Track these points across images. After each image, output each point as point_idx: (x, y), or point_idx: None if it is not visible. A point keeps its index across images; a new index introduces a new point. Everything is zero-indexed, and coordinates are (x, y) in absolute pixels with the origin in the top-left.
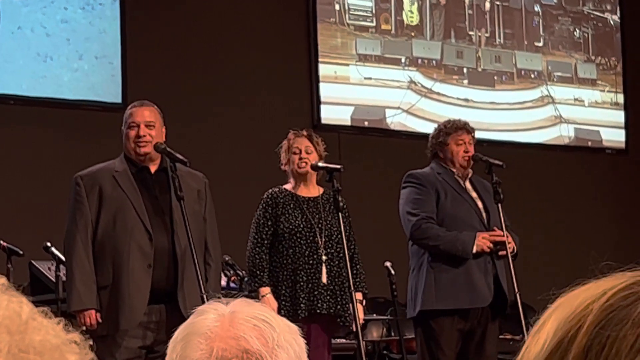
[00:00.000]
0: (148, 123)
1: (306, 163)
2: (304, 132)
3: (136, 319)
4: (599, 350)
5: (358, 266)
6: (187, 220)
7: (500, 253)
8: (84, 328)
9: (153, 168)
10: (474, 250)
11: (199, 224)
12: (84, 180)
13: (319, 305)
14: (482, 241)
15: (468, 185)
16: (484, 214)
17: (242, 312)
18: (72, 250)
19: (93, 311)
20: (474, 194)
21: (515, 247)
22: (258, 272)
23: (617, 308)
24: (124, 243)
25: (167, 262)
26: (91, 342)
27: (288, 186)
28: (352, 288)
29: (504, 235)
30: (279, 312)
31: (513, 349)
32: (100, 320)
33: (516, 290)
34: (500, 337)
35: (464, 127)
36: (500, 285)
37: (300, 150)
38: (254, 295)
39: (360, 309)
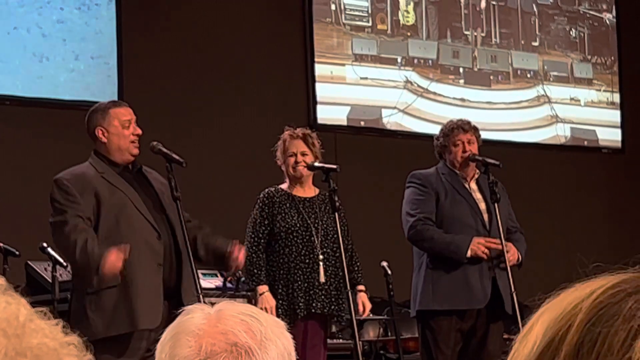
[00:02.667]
0: (135, 121)
1: (302, 166)
2: (300, 134)
3: (158, 318)
4: (590, 346)
5: (358, 263)
6: (183, 221)
7: (501, 266)
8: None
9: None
10: (468, 254)
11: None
12: (71, 182)
13: (314, 304)
14: (476, 245)
15: (473, 186)
16: (485, 216)
17: (228, 309)
18: (77, 241)
19: (115, 251)
20: (478, 195)
21: (520, 256)
22: (255, 271)
23: (607, 305)
24: (132, 242)
25: (171, 259)
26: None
27: (284, 186)
28: (349, 287)
29: (501, 244)
30: (276, 311)
31: (509, 349)
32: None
33: (512, 290)
34: None
35: (459, 127)
36: (498, 287)
37: (296, 154)
38: (251, 294)
39: (365, 298)
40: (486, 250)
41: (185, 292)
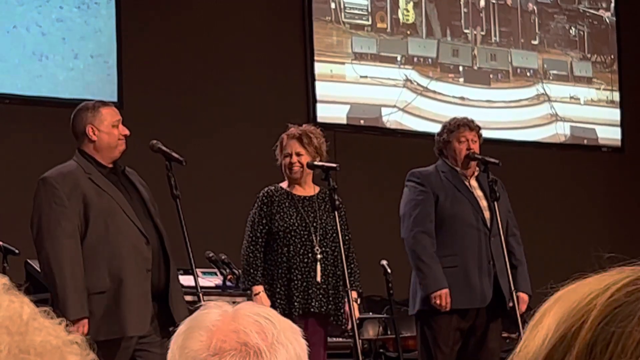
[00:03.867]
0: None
1: (297, 167)
2: (296, 134)
3: (145, 326)
4: (604, 346)
5: (353, 265)
6: (183, 219)
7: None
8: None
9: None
10: (432, 297)
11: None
12: (59, 184)
13: (312, 303)
14: (443, 298)
15: (473, 183)
16: (486, 213)
17: (245, 309)
18: (61, 256)
19: (86, 320)
20: (478, 193)
21: (529, 294)
22: (252, 271)
23: (623, 304)
24: (122, 247)
25: (159, 263)
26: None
27: (284, 184)
28: (348, 286)
29: (501, 242)
30: None
31: (509, 347)
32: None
33: (512, 289)
34: None
35: (466, 124)
36: (499, 285)
37: (291, 155)
38: (248, 293)
39: (355, 308)
40: (446, 307)
41: (172, 296)
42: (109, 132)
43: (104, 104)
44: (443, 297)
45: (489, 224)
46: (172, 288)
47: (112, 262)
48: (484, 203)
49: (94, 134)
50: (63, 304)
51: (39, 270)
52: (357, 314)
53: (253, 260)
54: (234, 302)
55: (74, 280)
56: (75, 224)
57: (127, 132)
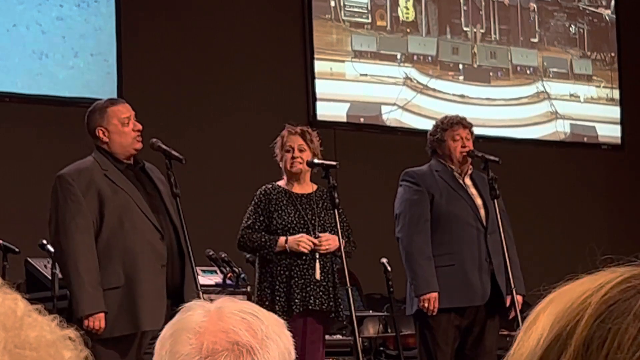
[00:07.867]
0: (135, 116)
1: (299, 162)
2: (298, 130)
3: (161, 320)
4: (600, 343)
5: (351, 238)
6: (183, 218)
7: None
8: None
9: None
10: (420, 301)
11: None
12: (75, 180)
13: (311, 301)
14: (432, 302)
15: (467, 181)
16: (481, 211)
17: (229, 307)
18: (76, 251)
19: (103, 314)
20: (473, 191)
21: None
22: (261, 239)
23: (618, 301)
24: (136, 243)
25: (174, 259)
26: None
27: (282, 182)
28: (348, 284)
29: (501, 241)
30: (273, 308)
31: (509, 346)
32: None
33: (512, 286)
34: None
35: (459, 122)
36: (496, 282)
37: (293, 149)
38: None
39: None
40: (433, 311)
41: (187, 291)
42: (118, 131)
43: (113, 102)
44: (432, 301)
45: (484, 222)
46: (187, 284)
47: (126, 257)
48: (478, 201)
49: (105, 135)
50: (78, 298)
51: (38, 268)
52: (333, 239)
53: (252, 232)
54: (211, 300)
55: (89, 276)
56: (90, 220)
57: (139, 127)
